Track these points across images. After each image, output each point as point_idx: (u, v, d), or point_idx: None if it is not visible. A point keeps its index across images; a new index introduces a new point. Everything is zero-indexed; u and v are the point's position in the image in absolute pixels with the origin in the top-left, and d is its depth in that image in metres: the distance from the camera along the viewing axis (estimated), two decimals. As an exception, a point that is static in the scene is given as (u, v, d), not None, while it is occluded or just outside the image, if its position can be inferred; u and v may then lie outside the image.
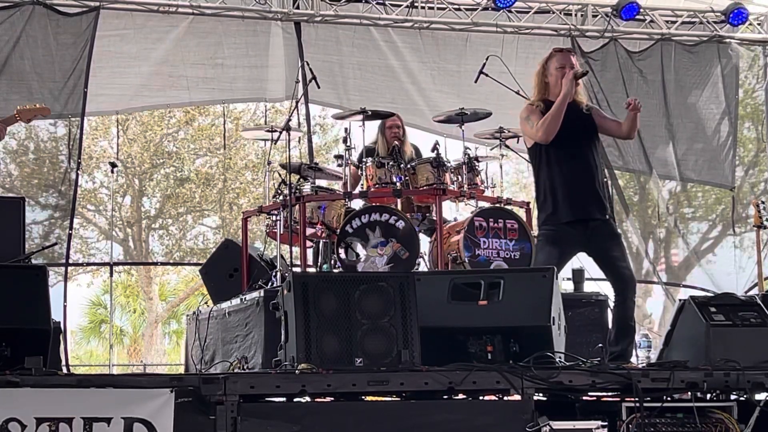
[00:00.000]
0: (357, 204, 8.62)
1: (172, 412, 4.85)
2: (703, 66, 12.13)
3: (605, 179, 6.72)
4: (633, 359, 6.59)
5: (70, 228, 10.56)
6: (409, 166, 8.57)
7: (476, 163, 8.69)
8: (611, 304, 6.76)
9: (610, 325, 6.59)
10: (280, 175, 8.82)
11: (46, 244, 9.85)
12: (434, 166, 8.48)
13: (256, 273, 8.52)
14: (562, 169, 6.43)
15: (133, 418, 4.81)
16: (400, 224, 8.26)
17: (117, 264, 15.80)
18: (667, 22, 12.05)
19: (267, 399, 5.18)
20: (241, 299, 7.71)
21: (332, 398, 5.29)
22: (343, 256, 8.18)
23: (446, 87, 11.59)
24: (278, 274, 7.99)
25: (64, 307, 10.26)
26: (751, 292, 10.46)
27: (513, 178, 19.11)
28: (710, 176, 12.31)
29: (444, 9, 11.49)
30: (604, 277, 6.60)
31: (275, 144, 8.84)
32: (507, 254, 8.36)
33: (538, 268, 6.13)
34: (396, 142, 8.87)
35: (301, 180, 8.57)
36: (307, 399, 5.28)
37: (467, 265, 8.16)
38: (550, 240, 6.41)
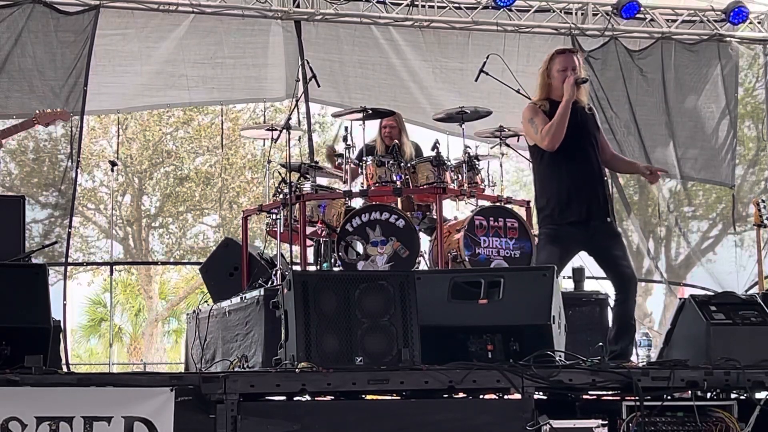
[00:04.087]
0: (357, 203, 8.61)
1: (173, 410, 4.85)
2: (703, 65, 12.13)
3: (607, 178, 6.66)
4: (633, 358, 6.58)
5: (70, 226, 10.57)
6: (409, 164, 8.57)
7: (476, 162, 8.69)
8: (611, 302, 6.74)
9: (610, 324, 6.57)
10: (280, 174, 8.81)
11: (46, 243, 9.85)
12: (434, 164, 8.47)
13: (257, 271, 8.52)
14: (564, 170, 6.36)
15: (134, 417, 4.81)
16: (401, 223, 8.26)
17: (117, 263, 15.78)
18: (667, 20, 12.04)
19: (267, 398, 5.18)
20: (242, 298, 7.70)
21: (332, 397, 5.28)
22: (343, 254, 8.17)
23: (448, 84, 11.58)
24: (278, 272, 7.98)
25: (64, 305, 10.26)
26: (751, 291, 10.45)
27: (513, 177, 19.10)
28: (710, 175, 12.30)
29: (444, 8, 11.48)
30: (605, 275, 6.59)
31: (275, 143, 8.84)
32: (507, 253, 8.36)
33: (539, 267, 6.12)
34: (389, 142, 8.87)
35: (301, 178, 8.57)
36: (307, 398, 5.27)
37: (467, 264, 8.15)
38: (551, 239, 6.37)
